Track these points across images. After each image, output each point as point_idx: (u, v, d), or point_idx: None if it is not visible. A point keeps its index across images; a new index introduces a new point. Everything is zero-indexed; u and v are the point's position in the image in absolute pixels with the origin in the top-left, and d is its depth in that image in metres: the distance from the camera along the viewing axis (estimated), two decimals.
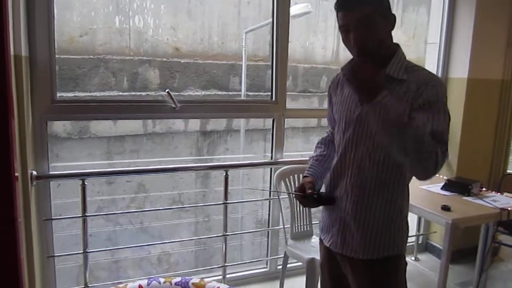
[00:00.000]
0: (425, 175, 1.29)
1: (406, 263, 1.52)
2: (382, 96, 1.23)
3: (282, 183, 2.60)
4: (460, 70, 3.21)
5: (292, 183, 2.65)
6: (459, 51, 3.23)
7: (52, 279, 2.47)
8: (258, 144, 4.74)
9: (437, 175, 3.11)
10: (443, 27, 3.29)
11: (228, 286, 2.29)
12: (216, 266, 2.87)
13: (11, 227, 1.66)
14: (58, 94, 2.32)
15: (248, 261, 3.23)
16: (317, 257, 2.35)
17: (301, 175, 1.72)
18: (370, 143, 1.40)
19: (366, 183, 1.42)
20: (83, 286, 2.45)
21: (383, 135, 1.28)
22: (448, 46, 3.29)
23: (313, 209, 2.62)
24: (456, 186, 2.61)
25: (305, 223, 2.67)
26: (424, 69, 1.40)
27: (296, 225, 2.64)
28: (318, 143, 1.73)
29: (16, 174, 1.71)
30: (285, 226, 2.60)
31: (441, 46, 3.31)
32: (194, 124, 4.19)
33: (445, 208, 2.28)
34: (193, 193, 4.27)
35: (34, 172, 2.16)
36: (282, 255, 2.68)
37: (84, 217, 2.37)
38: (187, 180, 4.16)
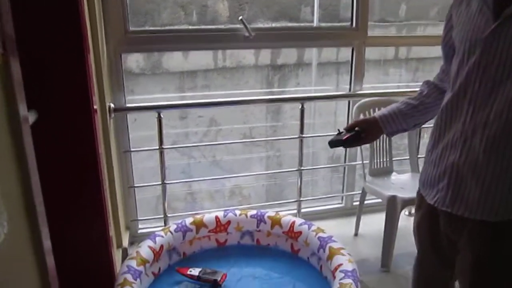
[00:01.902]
0: None
1: None
2: None
3: (362, 117, 2.45)
4: None
5: None
6: None
7: (134, 208, 2.59)
8: (330, 78, 4.53)
9: None
10: None
11: (303, 220, 2.26)
12: (291, 201, 2.85)
13: (93, 157, 1.70)
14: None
15: (324, 196, 3.18)
16: (399, 194, 2.23)
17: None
18: (502, 71, 1.07)
19: (492, 124, 1.09)
20: (162, 216, 2.55)
21: None
22: None
23: (395, 147, 2.47)
24: None
25: (385, 159, 2.53)
26: None
27: (375, 161, 2.51)
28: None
29: (95, 106, 1.72)
30: (364, 162, 2.48)
31: None
32: (265, 57, 4.06)
33: None
34: (263, 127, 4.23)
35: (112, 105, 2.19)
36: (359, 192, 2.59)
37: (161, 150, 2.41)
38: (258, 115, 4.11)
